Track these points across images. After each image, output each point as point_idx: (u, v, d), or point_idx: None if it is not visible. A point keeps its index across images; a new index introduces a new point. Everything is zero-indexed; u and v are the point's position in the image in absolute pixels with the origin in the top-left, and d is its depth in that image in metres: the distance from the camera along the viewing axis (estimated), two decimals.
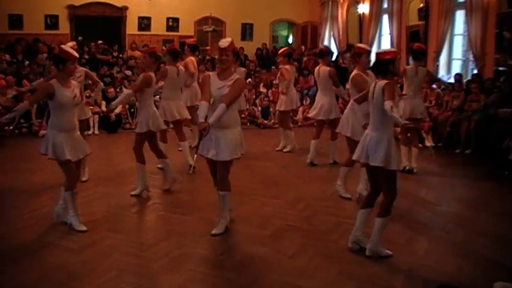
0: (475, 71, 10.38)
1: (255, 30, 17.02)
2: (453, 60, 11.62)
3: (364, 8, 14.52)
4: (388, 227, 5.12)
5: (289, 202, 6.10)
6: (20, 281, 3.98)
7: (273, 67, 13.76)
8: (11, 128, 9.53)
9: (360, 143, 4.57)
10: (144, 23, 15.82)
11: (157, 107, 6.53)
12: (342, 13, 15.66)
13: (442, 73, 11.55)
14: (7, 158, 8.22)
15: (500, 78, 9.49)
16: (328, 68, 7.79)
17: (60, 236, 4.85)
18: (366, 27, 14.50)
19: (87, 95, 8.87)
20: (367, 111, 4.70)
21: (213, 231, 4.90)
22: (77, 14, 15.00)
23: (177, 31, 16.08)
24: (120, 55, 14.54)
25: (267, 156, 8.69)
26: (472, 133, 8.96)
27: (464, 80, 10.18)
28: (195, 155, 5.09)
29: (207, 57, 14.69)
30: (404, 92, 7.29)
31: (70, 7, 14.90)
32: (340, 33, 15.71)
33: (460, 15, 11.10)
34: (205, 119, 4.53)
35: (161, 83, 7.40)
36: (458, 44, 11.47)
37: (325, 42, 16.57)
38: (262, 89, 13.25)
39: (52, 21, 14.84)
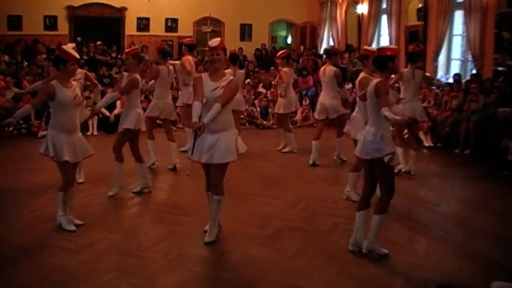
0: (474, 71, 10.39)
1: (254, 31, 17.02)
2: (452, 60, 11.62)
3: (363, 9, 14.52)
4: (388, 227, 5.15)
5: (288, 202, 6.10)
6: (20, 281, 3.98)
7: (272, 68, 13.77)
8: (10, 129, 9.52)
9: (360, 137, 4.59)
10: (143, 23, 15.82)
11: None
12: (340, 13, 15.66)
13: (441, 73, 11.56)
14: (7, 159, 8.21)
15: (499, 79, 9.49)
16: (334, 68, 7.87)
17: (60, 236, 4.85)
18: (364, 27, 14.50)
19: (86, 95, 8.88)
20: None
21: (206, 239, 4.75)
22: (76, 14, 14.99)
23: (176, 32, 16.08)
24: (119, 56, 14.52)
25: (266, 157, 8.69)
26: (471, 133, 8.96)
27: (463, 80, 10.18)
28: (190, 162, 4.87)
29: (206, 58, 14.67)
30: (402, 96, 7.26)
31: (69, 8, 14.90)
32: (339, 33, 15.71)
33: (459, 16, 11.10)
34: (199, 119, 4.37)
35: (151, 83, 7.47)
36: (457, 44, 11.47)
37: (324, 43, 16.60)
38: (261, 90, 13.25)
39: (51, 22, 14.83)
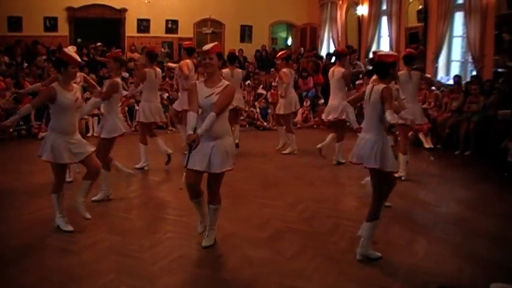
0: (474, 73, 10.39)
1: (254, 32, 17.02)
2: (452, 61, 11.62)
3: (363, 10, 14.53)
4: (388, 229, 5.16)
5: (288, 204, 6.10)
6: (20, 282, 3.98)
7: (272, 69, 13.77)
8: (10, 130, 9.52)
9: (356, 144, 4.56)
10: (143, 25, 15.83)
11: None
12: (341, 15, 15.66)
13: (441, 75, 11.55)
14: (7, 160, 8.23)
15: (499, 80, 9.49)
16: (342, 69, 7.92)
17: (60, 237, 4.85)
18: (365, 29, 14.51)
19: (87, 96, 8.88)
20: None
21: (204, 244, 4.67)
22: (76, 16, 15.00)
23: (176, 33, 16.09)
24: None
25: (266, 158, 8.69)
26: (471, 134, 8.96)
27: (464, 82, 10.19)
28: (183, 176, 4.48)
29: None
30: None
31: (69, 9, 14.91)
32: (339, 35, 15.71)
33: (459, 17, 11.10)
34: (194, 130, 4.20)
35: (140, 87, 7.60)
36: (457, 45, 11.47)
37: (324, 44, 16.61)
38: (261, 91, 13.25)
39: (51, 23, 14.84)
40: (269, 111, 12.17)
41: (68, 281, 3.97)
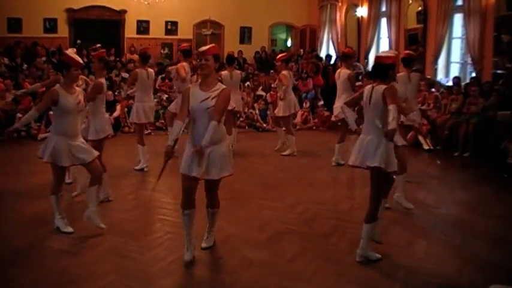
0: (473, 74, 10.40)
1: (254, 34, 17.03)
2: (451, 63, 11.63)
3: (362, 12, 14.54)
4: (388, 230, 5.16)
5: (288, 205, 6.10)
6: (19, 283, 3.99)
7: (272, 71, 13.78)
8: (15, 135, 9.51)
9: (355, 146, 4.54)
10: (143, 26, 15.84)
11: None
12: (340, 16, 15.67)
13: (440, 76, 11.56)
14: (7, 161, 8.23)
15: (498, 81, 9.50)
16: (348, 71, 7.98)
17: (60, 238, 4.85)
18: (364, 30, 14.52)
19: None
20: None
21: (204, 245, 4.66)
22: (76, 17, 15.01)
23: (176, 34, 16.09)
24: (117, 59, 14.54)
25: (265, 159, 8.69)
26: (470, 136, 8.97)
27: (463, 83, 10.20)
28: (157, 179, 4.66)
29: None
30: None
31: (69, 10, 14.92)
32: (339, 36, 15.72)
33: (458, 19, 11.11)
34: (175, 142, 4.22)
35: (134, 88, 7.67)
36: (457, 47, 11.49)
37: (324, 46, 16.61)
38: (261, 93, 13.25)
39: (51, 25, 14.84)
40: (268, 112, 12.17)
41: (67, 282, 3.97)
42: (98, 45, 14.38)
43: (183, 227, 4.46)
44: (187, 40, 15.26)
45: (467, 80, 10.41)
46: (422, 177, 7.41)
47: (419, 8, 12.10)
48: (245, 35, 17.04)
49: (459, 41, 11.35)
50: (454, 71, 11.46)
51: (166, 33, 16.10)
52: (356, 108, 4.93)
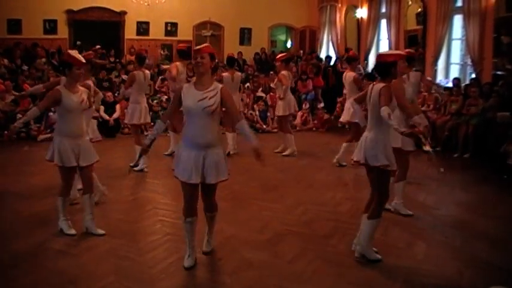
0: (473, 75, 10.40)
1: (254, 35, 17.02)
2: (451, 64, 11.63)
3: (362, 13, 14.56)
4: (388, 232, 5.16)
5: (288, 206, 6.09)
6: (19, 283, 3.99)
7: (271, 72, 13.78)
8: (14, 136, 9.51)
9: (359, 143, 4.58)
10: (143, 27, 15.82)
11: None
12: (340, 18, 15.69)
13: (440, 77, 11.57)
14: (7, 161, 8.22)
15: (498, 83, 9.50)
16: (353, 74, 8.07)
17: (60, 240, 4.85)
18: (364, 31, 14.53)
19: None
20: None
21: (205, 249, 4.59)
22: (76, 18, 14.99)
23: (176, 36, 16.07)
24: (117, 60, 14.54)
25: (266, 161, 8.63)
26: (470, 137, 8.98)
27: (463, 85, 10.20)
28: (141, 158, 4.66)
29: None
30: None
31: (69, 12, 14.89)
32: (339, 37, 15.74)
33: (458, 20, 11.12)
34: (151, 142, 4.24)
35: (129, 90, 7.71)
36: (457, 48, 11.49)
37: (324, 47, 16.61)
38: (261, 94, 13.25)
39: (51, 26, 14.82)
40: (268, 114, 12.17)
41: (67, 283, 3.97)
42: (98, 46, 14.41)
43: (184, 234, 4.38)
44: (187, 41, 15.27)
45: (467, 81, 10.42)
46: (422, 179, 7.41)
47: (419, 9, 12.11)
48: (245, 36, 17.03)
49: (459, 42, 11.35)
50: (454, 72, 11.46)
51: (166, 35, 16.07)
52: (365, 106, 4.95)
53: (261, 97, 12.95)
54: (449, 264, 4.50)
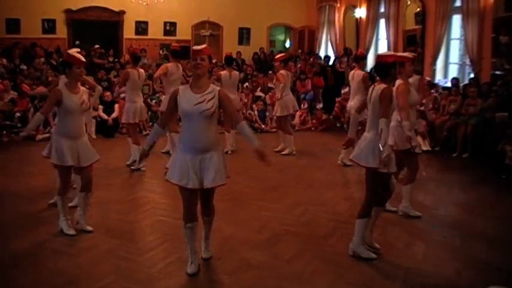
0: (472, 75, 10.41)
1: (252, 35, 17.02)
2: (450, 64, 11.64)
3: (361, 13, 14.56)
4: (386, 232, 5.17)
5: (287, 207, 6.09)
6: (19, 284, 3.99)
7: (270, 72, 13.79)
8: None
9: (358, 143, 4.61)
10: (142, 27, 15.82)
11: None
12: (339, 17, 15.68)
13: (439, 77, 11.58)
14: (7, 161, 8.21)
15: (497, 83, 9.52)
16: (362, 72, 8.07)
17: (59, 240, 4.85)
18: (362, 31, 14.53)
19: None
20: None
21: (204, 256, 4.46)
22: (74, 18, 14.98)
23: (175, 35, 16.06)
24: (116, 60, 14.53)
25: (270, 161, 8.64)
26: (469, 137, 8.98)
27: (461, 84, 10.21)
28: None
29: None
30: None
31: (67, 11, 14.88)
32: (337, 37, 15.73)
33: (456, 20, 11.13)
34: (150, 148, 4.16)
35: (124, 88, 7.77)
36: (455, 48, 11.50)
37: (322, 47, 16.62)
38: (259, 94, 13.25)
39: (49, 26, 14.81)
40: (267, 113, 12.17)
41: (66, 284, 3.97)
42: (97, 46, 14.42)
43: (185, 240, 4.28)
44: (186, 41, 15.28)
45: (466, 81, 10.43)
46: (421, 179, 7.39)
47: (418, 9, 12.12)
48: (244, 36, 17.03)
49: (457, 42, 11.36)
50: (453, 72, 11.47)
51: (165, 34, 16.07)
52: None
53: (259, 97, 12.95)
54: (448, 264, 4.50)
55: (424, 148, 9.39)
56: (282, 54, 9.67)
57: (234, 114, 4.18)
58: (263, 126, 12.00)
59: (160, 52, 15.69)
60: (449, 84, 10.54)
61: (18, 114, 10.38)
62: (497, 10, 9.77)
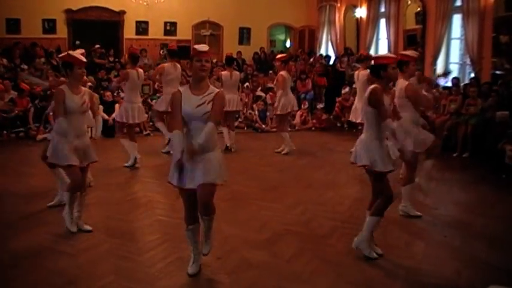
0: (472, 75, 10.41)
1: (253, 35, 17.01)
2: (450, 64, 11.63)
3: (361, 12, 14.55)
4: (387, 231, 5.15)
5: (287, 206, 6.09)
6: (19, 284, 3.98)
7: (271, 71, 13.79)
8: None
9: (354, 146, 4.63)
10: (142, 27, 15.81)
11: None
12: (339, 17, 15.67)
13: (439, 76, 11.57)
14: (6, 161, 8.22)
15: (497, 82, 9.51)
16: (367, 72, 8.01)
17: (58, 240, 4.85)
18: (363, 31, 14.52)
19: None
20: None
21: (205, 251, 4.28)
22: (75, 18, 14.97)
23: (175, 35, 16.06)
24: (116, 59, 14.53)
25: (264, 160, 8.68)
26: (469, 137, 8.99)
27: (462, 84, 10.21)
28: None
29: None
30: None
31: (68, 11, 14.88)
32: (338, 37, 15.72)
33: (457, 19, 11.12)
34: (183, 151, 3.88)
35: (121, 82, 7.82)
36: (456, 47, 11.49)
37: (323, 47, 16.61)
38: (260, 93, 13.26)
39: (50, 26, 14.80)
40: (268, 113, 12.17)
41: (66, 284, 3.97)
42: (97, 46, 14.43)
43: (187, 242, 4.26)
44: (187, 41, 15.28)
45: (466, 81, 10.42)
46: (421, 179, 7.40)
47: (418, 9, 12.11)
48: (244, 35, 17.02)
49: (458, 41, 11.34)
50: (453, 71, 11.45)
51: (165, 34, 16.06)
52: None
53: (260, 96, 12.95)
54: (448, 263, 4.50)
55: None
56: (283, 55, 9.70)
57: (213, 115, 3.92)
58: (263, 126, 12.01)
59: (161, 52, 15.67)
60: (449, 84, 10.53)
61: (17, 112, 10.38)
62: (498, 9, 9.76)
